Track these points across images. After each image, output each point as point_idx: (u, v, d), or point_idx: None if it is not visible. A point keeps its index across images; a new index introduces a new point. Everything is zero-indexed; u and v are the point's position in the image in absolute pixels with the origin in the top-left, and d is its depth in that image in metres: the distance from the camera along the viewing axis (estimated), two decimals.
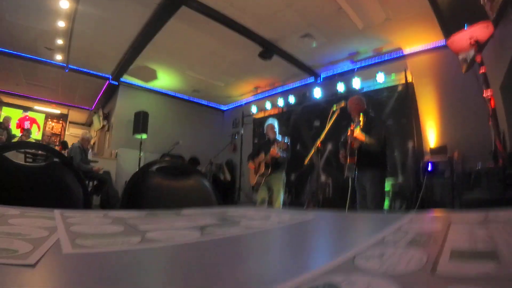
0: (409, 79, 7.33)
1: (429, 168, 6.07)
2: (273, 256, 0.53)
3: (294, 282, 0.31)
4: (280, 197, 5.10)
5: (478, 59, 3.37)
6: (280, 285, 0.30)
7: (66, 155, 6.49)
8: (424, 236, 0.54)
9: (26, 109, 11.94)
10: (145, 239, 0.55)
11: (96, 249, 0.47)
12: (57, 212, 0.77)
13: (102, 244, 0.50)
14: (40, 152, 6.88)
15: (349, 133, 4.01)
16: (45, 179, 1.39)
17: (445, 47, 5.37)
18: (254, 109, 10.71)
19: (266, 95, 10.86)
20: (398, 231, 0.59)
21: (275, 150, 4.93)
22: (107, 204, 7.19)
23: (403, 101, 7.30)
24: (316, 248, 0.60)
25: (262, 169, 5.15)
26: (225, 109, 12.67)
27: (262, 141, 5.61)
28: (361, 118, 3.95)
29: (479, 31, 3.27)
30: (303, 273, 0.34)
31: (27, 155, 6.27)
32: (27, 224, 0.60)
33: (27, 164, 1.54)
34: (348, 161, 4.03)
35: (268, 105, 10.25)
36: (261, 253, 0.55)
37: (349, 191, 4.29)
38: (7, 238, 0.47)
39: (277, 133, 5.36)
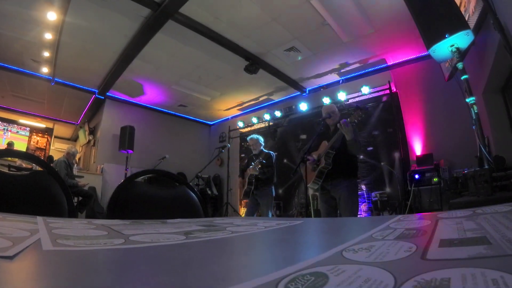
0: (394, 89, 7.46)
1: (416, 177, 6.13)
2: (261, 253, 0.52)
3: (281, 272, 0.31)
4: (268, 211, 5.06)
5: (460, 66, 3.44)
6: (267, 275, 0.29)
7: None
8: (413, 231, 0.53)
9: (11, 122, 11.75)
10: (129, 241, 0.54)
11: (77, 247, 0.46)
12: (40, 218, 0.75)
13: (84, 244, 0.49)
14: (24, 165, 6.72)
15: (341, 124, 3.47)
16: (30, 188, 1.36)
17: (427, 56, 5.50)
18: (240, 123, 10.74)
19: (252, 109, 10.93)
20: (386, 229, 0.58)
21: (251, 169, 4.96)
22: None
23: (389, 112, 7.41)
24: (304, 245, 0.59)
25: (247, 185, 5.13)
26: (211, 123, 12.69)
27: (250, 155, 5.60)
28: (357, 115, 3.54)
29: (460, 39, 3.36)
30: (290, 265, 0.33)
31: (11, 169, 6.10)
32: (8, 226, 0.59)
33: (12, 172, 1.49)
34: (324, 162, 3.63)
35: (254, 119, 10.29)
36: (248, 251, 0.54)
37: (313, 206, 4.00)
38: None
39: (262, 146, 5.36)
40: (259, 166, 4.92)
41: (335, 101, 8.03)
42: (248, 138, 5.51)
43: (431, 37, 3.56)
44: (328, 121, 3.90)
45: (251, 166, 4.99)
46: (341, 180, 3.59)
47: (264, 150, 5.32)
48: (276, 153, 5.43)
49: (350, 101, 8.04)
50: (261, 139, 5.39)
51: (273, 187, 5.21)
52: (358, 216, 4.57)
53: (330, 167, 3.62)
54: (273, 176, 5.20)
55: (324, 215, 3.83)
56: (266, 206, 5.04)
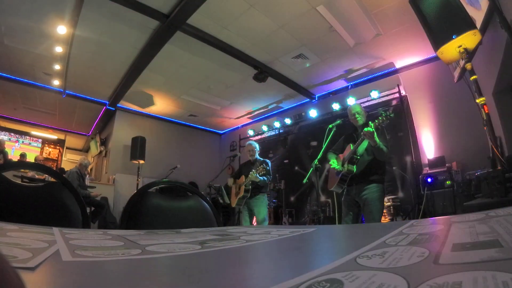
0: (403, 93, 7.40)
1: (429, 181, 6.04)
2: (276, 261, 0.52)
3: (296, 279, 0.31)
4: (264, 219, 4.98)
5: (469, 67, 3.40)
6: (283, 283, 0.30)
7: None
8: (426, 236, 0.53)
9: (23, 134, 11.96)
10: (146, 251, 0.55)
11: (96, 258, 0.47)
12: (56, 229, 0.76)
13: (103, 254, 0.50)
14: (37, 176, 6.80)
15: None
16: (44, 199, 1.38)
17: (436, 58, 5.46)
18: (251, 131, 10.75)
19: (262, 117, 10.94)
20: (399, 235, 0.58)
21: (252, 175, 4.81)
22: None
23: (398, 115, 7.34)
24: (318, 252, 0.60)
25: (242, 192, 4.96)
26: (222, 132, 12.72)
27: (243, 163, 5.54)
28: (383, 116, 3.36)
29: (467, 39, 3.33)
30: (305, 273, 0.34)
31: (24, 180, 6.17)
32: (26, 237, 0.60)
33: (26, 184, 1.51)
34: (347, 168, 3.48)
35: (264, 127, 10.31)
36: (264, 259, 0.55)
37: (337, 209, 3.98)
38: (6, 247, 0.46)
39: (256, 154, 5.24)
40: (264, 172, 4.83)
41: (344, 107, 7.99)
42: (246, 144, 5.44)
43: (438, 38, 3.54)
44: (354, 122, 3.82)
45: (251, 172, 4.85)
46: (366, 185, 3.45)
47: (259, 158, 5.24)
48: (287, 160, 5.37)
49: None
50: (258, 146, 5.33)
51: (266, 196, 5.13)
52: None
53: (352, 173, 3.49)
54: (267, 185, 5.14)
55: (344, 222, 3.70)
56: (262, 214, 4.97)
